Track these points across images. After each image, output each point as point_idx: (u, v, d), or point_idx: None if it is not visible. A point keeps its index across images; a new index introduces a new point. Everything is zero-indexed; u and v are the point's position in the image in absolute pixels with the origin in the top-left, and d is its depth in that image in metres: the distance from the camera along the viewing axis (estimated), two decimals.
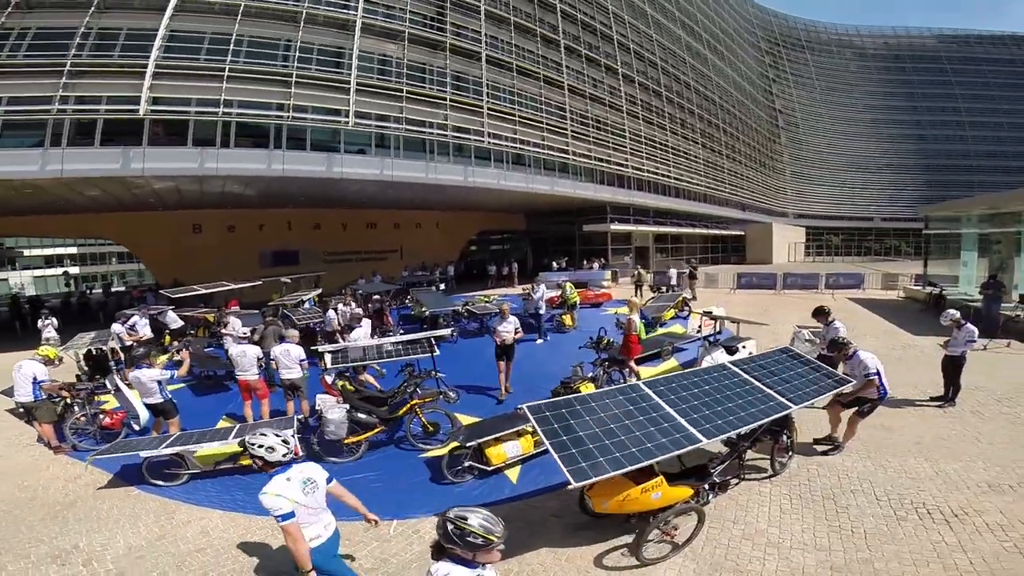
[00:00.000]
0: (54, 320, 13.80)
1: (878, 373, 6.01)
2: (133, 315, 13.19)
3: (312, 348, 8.88)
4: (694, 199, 37.78)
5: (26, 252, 42.71)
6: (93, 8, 14.98)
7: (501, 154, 23.06)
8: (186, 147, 15.79)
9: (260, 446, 3.30)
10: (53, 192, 16.29)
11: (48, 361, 7.96)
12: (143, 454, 6.13)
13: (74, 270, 48.01)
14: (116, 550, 4.91)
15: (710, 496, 4.92)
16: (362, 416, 6.88)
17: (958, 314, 8.04)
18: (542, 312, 13.71)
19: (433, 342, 8.56)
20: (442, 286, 22.93)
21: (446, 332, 12.03)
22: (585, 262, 27.44)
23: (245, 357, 7.97)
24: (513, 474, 6.16)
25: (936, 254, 20.60)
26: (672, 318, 14.77)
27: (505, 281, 27.14)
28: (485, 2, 22.85)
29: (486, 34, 22.57)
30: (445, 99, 20.68)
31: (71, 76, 14.49)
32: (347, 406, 6.85)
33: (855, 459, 6.05)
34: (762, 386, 5.38)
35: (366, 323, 11.27)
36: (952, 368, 7.77)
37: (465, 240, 34.41)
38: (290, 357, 7.99)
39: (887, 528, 4.67)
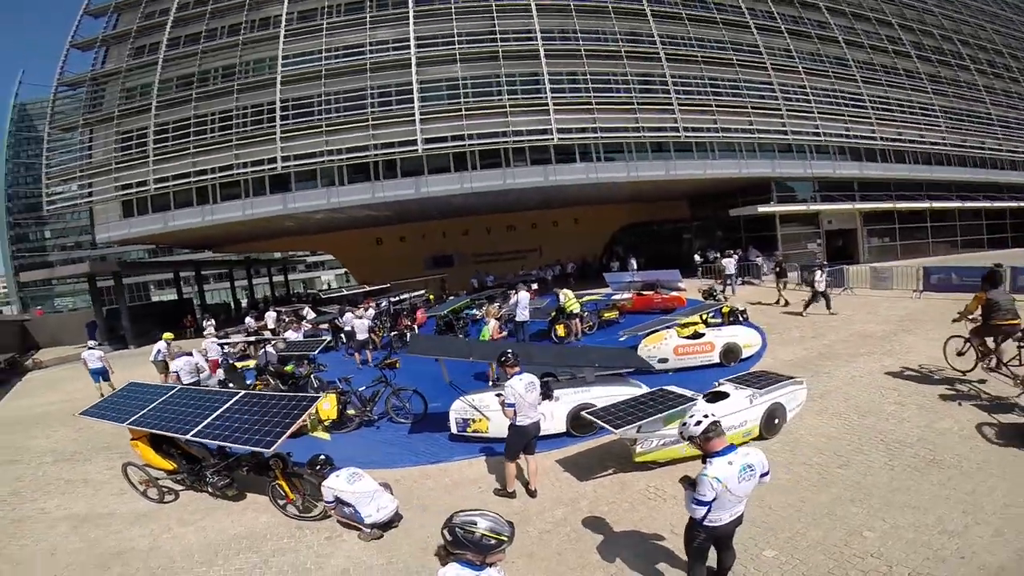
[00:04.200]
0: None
1: None
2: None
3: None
4: (922, 162, 26.20)
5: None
6: (369, 72, 20.90)
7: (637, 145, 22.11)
8: (450, 172, 21.15)
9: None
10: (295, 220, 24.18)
11: None
12: None
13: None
14: None
15: None
16: None
17: None
18: (521, 320, 13.22)
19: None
20: (534, 285, 23.21)
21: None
22: (729, 253, 22.82)
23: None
24: None
25: None
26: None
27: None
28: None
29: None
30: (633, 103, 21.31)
31: (375, 128, 20.49)
32: None
33: None
34: None
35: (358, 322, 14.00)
36: None
37: (609, 234, 32.95)
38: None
39: None
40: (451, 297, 21.68)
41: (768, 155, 23.48)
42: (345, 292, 27.93)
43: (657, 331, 10.17)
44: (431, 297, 23.66)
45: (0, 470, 8.33)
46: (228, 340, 13.33)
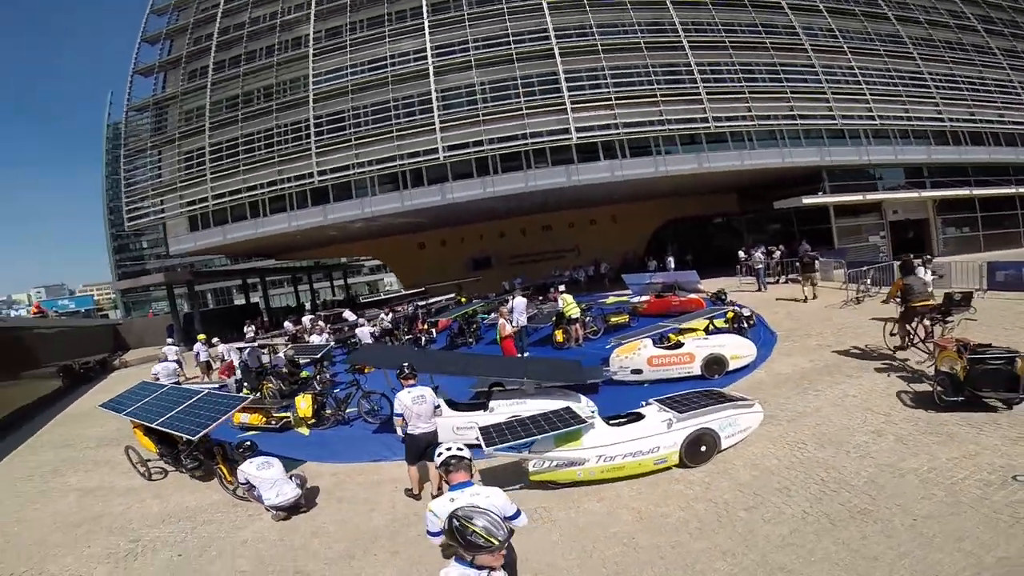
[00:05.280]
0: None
1: None
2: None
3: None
4: (1005, 143, 22.77)
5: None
6: (391, 85, 21.85)
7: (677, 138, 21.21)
8: (472, 178, 21.38)
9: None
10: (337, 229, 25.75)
11: None
12: None
13: None
14: None
15: None
16: None
17: None
18: (519, 325, 13.19)
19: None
20: (561, 287, 22.82)
21: None
22: (770, 248, 21.09)
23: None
24: None
25: None
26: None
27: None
28: None
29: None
30: (656, 95, 20.53)
31: (400, 138, 21.36)
32: None
33: None
34: None
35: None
36: None
37: (650, 232, 31.58)
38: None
39: None
40: (475, 300, 21.91)
41: (816, 142, 21.49)
42: (383, 296, 29.18)
43: (631, 340, 9.66)
44: (462, 300, 24.03)
45: (53, 452, 10.25)
46: (241, 345, 14.41)
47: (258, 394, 11.50)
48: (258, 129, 23.73)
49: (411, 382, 6.03)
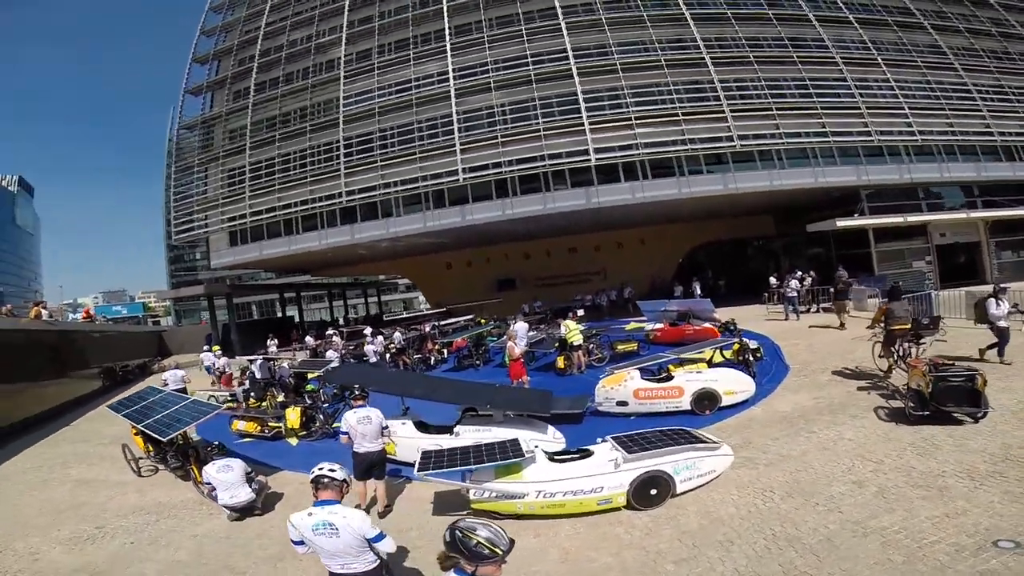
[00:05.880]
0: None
1: None
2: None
3: None
4: None
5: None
6: (415, 107, 22.49)
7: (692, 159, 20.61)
8: (492, 200, 21.51)
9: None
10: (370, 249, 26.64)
11: None
12: None
13: None
14: None
15: None
16: None
17: None
18: (519, 351, 13.08)
19: None
20: (580, 312, 22.41)
21: None
22: (796, 275, 20.01)
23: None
24: None
25: None
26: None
27: None
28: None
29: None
30: (678, 114, 20.13)
31: (422, 160, 21.81)
32: None
33: None
34: None
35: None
36: None
37: (680, 255, 30.60)
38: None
39: None
40: (493, 322, 21.86)
41: (852, 160, 20.35)
42: (405, 315, 29.71)
43: (619, 371, 9.28)
44: (482, 321, 24.01)
45: (71, 447, 11.12)
46: (252, 357, 14.97)
47: (263, 404, 12.08)
48: (293, 149, 24.91)
49: (360, 403, 6.36)
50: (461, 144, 20.86)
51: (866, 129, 19.74)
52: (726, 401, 8.67)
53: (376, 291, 50.98)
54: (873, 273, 20.90)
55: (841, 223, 20.13)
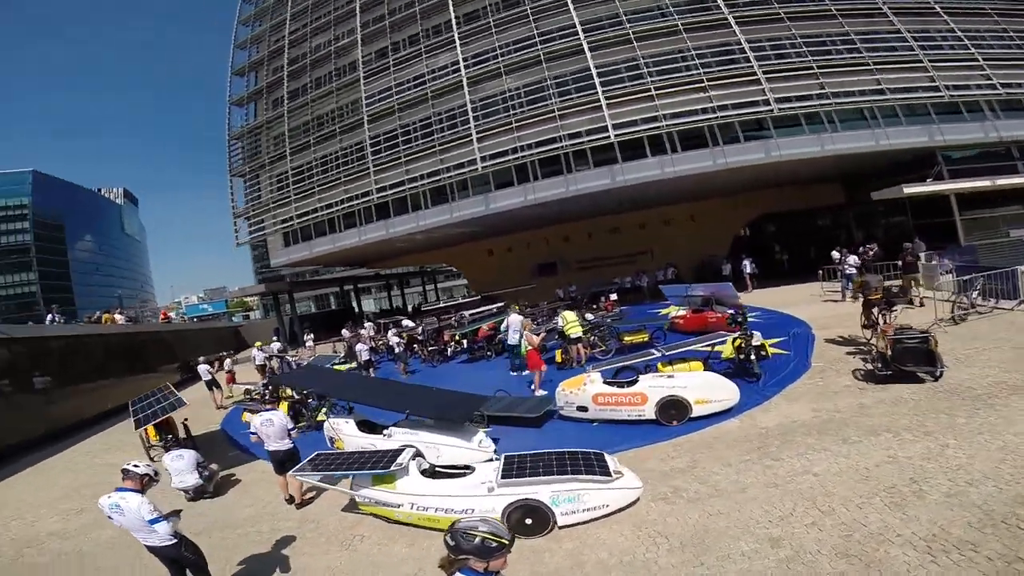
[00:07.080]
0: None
1: None
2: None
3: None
4: None
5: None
6: (431, 100, 22.61)
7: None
8: (514, 186, 21.01)
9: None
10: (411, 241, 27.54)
11: None
12: None
13: None
14: None
15: None
16: None
17: None
18: (512, 343, 12.84)
19: None
20: (613, 296, 21.35)
21: None
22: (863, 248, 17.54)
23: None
24: None
25: None
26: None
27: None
28: None
29: None
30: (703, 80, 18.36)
31: (443, 152, 21.86)
32: None
33: None
34: None
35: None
36: None
37: (736, 229, 28.07)
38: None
39: None
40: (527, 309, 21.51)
41: (921, 119, 17.29)
42: (440, 304, 30.13)
43: (579, 375, 8.65)
44: (515, 308, 23.73)
45: (121, 436, 12.41)
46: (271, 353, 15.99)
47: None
48: (328, 151, 25.94)
49: (267, 407, 7.20)
50: (477, 132, 20.50)
51: (933, 84, 16.64)
52: (698, 411, 7.66)
53: (432, 279, 52.43)
54: (959, 244, 17.86)
55: (908, 189, 17.28)
